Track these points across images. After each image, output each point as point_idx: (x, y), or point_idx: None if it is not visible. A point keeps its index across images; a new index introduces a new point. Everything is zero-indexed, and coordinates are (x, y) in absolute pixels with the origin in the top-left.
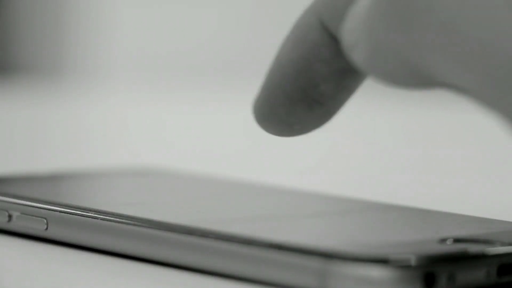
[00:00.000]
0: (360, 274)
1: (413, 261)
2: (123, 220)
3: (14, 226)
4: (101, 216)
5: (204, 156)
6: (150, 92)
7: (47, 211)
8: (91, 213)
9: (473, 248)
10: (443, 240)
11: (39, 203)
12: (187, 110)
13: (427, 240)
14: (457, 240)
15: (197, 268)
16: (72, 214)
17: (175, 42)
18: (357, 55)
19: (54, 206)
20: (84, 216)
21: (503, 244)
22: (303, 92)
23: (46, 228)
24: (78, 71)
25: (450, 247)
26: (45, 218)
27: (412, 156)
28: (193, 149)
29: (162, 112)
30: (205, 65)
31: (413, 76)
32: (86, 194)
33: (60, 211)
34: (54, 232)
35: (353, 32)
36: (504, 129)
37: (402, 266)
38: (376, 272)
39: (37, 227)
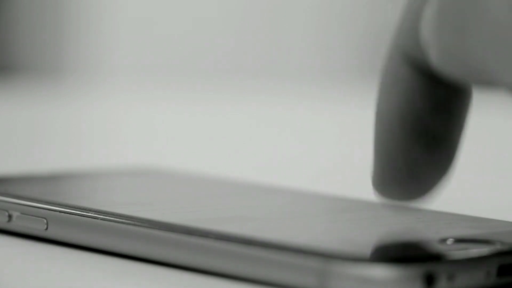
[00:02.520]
0: (360, 274)
1: (413, 261)
2: (123, 220)
3: (14, 226)
4: (101, 216)
5: (204, 156)
6: (150, 92)
7: (47, 211)
8: (91, 213)
9: (473, 248)
10: (443, 240)
11: (39, 203)
12: (187, 110)
13: (427, 240)
14: (457, 240)
15: (197, 268)
16: (72, 214)
17: (175, 42)
18: (430, 54)
19: (54, 206)
20: (84, 216)
21: (503, 244)
22: (417, 136)
23: (46, 228)
24: (78, 71)
25: (450, 247)
26: (45, 218)
27: None
28: (193, 149)
29: (162, 112)
30: (205, 65)
31: (477, 74)
32: (86, 194)
33: (60, 211)
34: (54, 232)
35: (426, 33)
36: None
37: (402, 266)
38: (376, 272)
39: (37, 227)
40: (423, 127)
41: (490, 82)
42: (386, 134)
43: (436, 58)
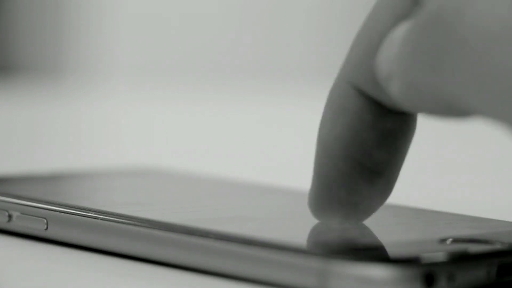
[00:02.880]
0: (360, 274)
1: (413, 261)
2: (123, 220)
3: (14, 226)
4: (101, 216)
5: (204, 156)
6: (149, 92)
7: (47, 211)
8: (91, 213)
9: (473, 248)
10: (443, 240)
11: (39, 203)
12: (187, 110)
13: (427, 240)
14: (457, 240)
15: (197, 268)
16: (72, 214)
17: (175, 43)
18: (391, 87)
19: (54, 206)
20: (84, 216)
21: (503, 244)
22: (359, 165)
23: (46, 228)
24: (78, 71)
25: (450, 247)
26: (45, 218)
27: (412, 156)
28: (193, 149)
29: (162, 112)
30: (205, 65)
31: (448, 109)
32: (86, 194)
33: (60, 211)
34: (54, 232)
35: (386, 64)
36: None
37: (402, 266)
38: (376, 272)
39: (37, 227)
40: (366, 157)
41: (464, 115)
42: (327, 160)
43: (399, 90)
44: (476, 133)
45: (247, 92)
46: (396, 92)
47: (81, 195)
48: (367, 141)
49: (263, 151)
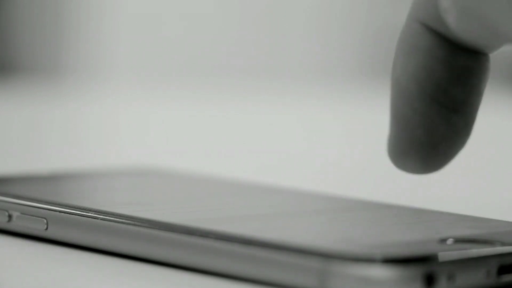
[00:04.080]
0: (360, 274)
1: (413, 261)
2: (123, 220)
3: (14, 226)
4: (101, 216)
5: (204, 156)
6: (149, 92)
7: (47, 211)
8: (91, 213)
9: (473, 248)
10: (443, 240)
11: (39, 203)
12: (187, 110)
13: (427, 240)
14: (457, 240)
15: (197, 268)
16: (72, 214)
17: (174, 43)
18: (449, 18)
19: (54, 206)
20: (84, 216)
21: (503, 244)
22: (435, 103)
23: (46, 228)
24: (77, 71)
25: (450, 247)
26: (45, 218)
27: None
28: (192, 149)
29: (161, 112)
30: (205, 65)
31: (495, 35)
32: (86, 194)
33: (60, 211)
34: (54, 232)
35: None
36: None
37: (402, 266)
38: (376, 272)
39: (37, 227)
40: (441, 95)
41: (505, 41)
42: (403, 101)
43: (455, 22)
44: (476, 133)
45: (247, 92)
46: (452, 22)
47: (81, 195)
48: (442, 78)
49: (263, 151)
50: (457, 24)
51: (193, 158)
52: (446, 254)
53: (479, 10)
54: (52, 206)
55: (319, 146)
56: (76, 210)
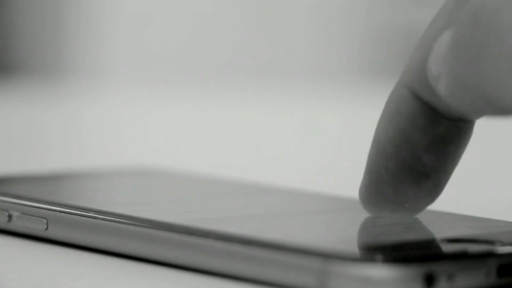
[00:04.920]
0: (360, 274)
1: (413, 261)
2: (123, 220)
3: (14, 226)
4: (101, 216)
5: (204, 156)
6: (149, 92)
7: (47, 211)
8: (91, 213)
9: (473, 248)
10: (443, 240)
11: (39, 203)
12: (187, 110)
13: (427, 240)
14: (457, 240)
15: (197, 268)
16: (72, 214)
17: (174, 43)
18: (440, 86)
19: (54, 206)
20: (84, 216)
21: (503, 244)
22: (407, 167)
23: (46, 228)
24: (77, 71)
25: (450, 247)
26: (45, 218)
27: None
28: (192, 149)
29: (161, 112)
30: (205, 65)
31: (489, 106)
32: (86, 194)
33: (60, 211)
34: (54, 232)
35: (436, 65)
36: None
37: (402, 266)
38: (376, 272)
39: (37, 227)
40: (415, 160)
41: (506, 112)
42: (379, 159)
43: (446, 90)
44: (476, 133)
45: (247, 92)
46: (443, 91)
47: (81, 195)
48: (418, 145)
49: (263, 151)
50: (448, 93)
51: (193, 158)
52: (446, 254)
53: (475, 80)
54: (52, 206)
55: (319, 146)
56: (76, 210)
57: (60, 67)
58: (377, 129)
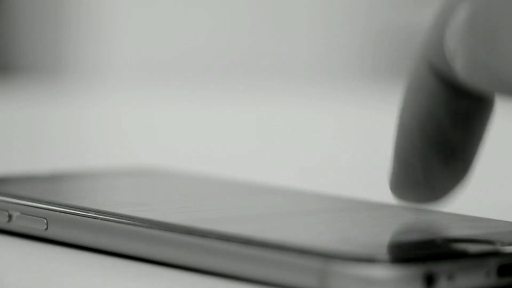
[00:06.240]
0: (360, 274)
1: (413, 261)
2: (123, 220)
3: (14, 226)
4: (101, 216)
5: (203, 156)
6: (149, 92)
7: (47, 211)
8: (91, 213)
9: (473, 248)
10: (443, 240)
11: (39, 203)
12: (187, 110)
13: (427, 240)
14: (457, 240)
15: (197, 268)
16: (72, 214)
17: (174, 43)
18: (456, 64)
19: (54, 206)
20: (84, 216)
21: (503, 244)
22: (434, 144)
23: (46, 228)
24: (77, 71)
25: (450, 247)
26: (45, 218)
27: None
28: (192, 149)
29: (161, 112)
30: (204, 65)
31: (502, 84)
32: (86, 194)
33: (60, 211)
34: (54, 232)
35: (452, 43)
36: None
37: (402, 266)
38: (376, 272)
39: (37, 227)
40: (442, 138)
41: None
42: (405, 141)
43: (463, 68)
44: None
45: (247, 92)
46: (460, 70)
47: (81, 195)
48: (443, 121)
49: (263, 151)
50: (464, 71)
51: (193, 158)
52: (446, 254)
53: (490, 59)
54: (52, 206)
55: (320, 146)
56: (76, 210)
57: (60, 67)
58: (400, 109)
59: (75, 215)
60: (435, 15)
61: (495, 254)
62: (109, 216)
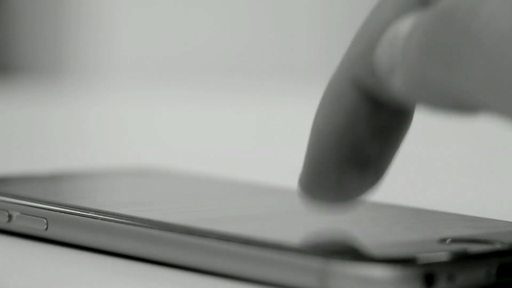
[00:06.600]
0: (360, 274)
1: (413, 261)
2: (123, 220)
3: (14, 226)
4: (101, 216)
5: (203, 156)
6: (149, 92)
7: (47, 211)
8: (91, 213)
9: (473, 248)
10: (443, 240)
11: (39, 203)
12: (188, 110)
13: (427, 240)
14: (457, 240)
15: (197, 268)
16: (72, 214)
17: (174, 43)
18: (394, 80)
19: (54, 206)
20: (84, 216)
21: (503, 244)
22: (350, 157)
23: (46, 228)
24: (77, 71)
25: (450, 247)
26: (45, 218)
27: (412, 155)
28: (192, 149)
29: (161, 112)
30: (204, 65)
31: (455, 104)
32: (86, 194)
33: (60, 211)
34: (54, 232)
35: (388, 58)
36: None
37: (402, 266)
38: (376, 272)
39: (37, 227)
40: (358, 150)
41: (470, 111)
42: (320, 148)
43: (403, 83)
44: (476, 133)
45: (247, 92)
46: (399, 85)
47: (81, 195)
48: (360, 136)
49: (263, 151)
50: (406, 87)
51: (193, 158)
52: (446, 254)
53: (443, 78)
54: (52, 206)
55: None
56: (76, 210)
57: (60, 67)
58: (317, 117)
59: (75, 215)
60: (361, 28)
61: (495, 254)
62: (109, 216)
